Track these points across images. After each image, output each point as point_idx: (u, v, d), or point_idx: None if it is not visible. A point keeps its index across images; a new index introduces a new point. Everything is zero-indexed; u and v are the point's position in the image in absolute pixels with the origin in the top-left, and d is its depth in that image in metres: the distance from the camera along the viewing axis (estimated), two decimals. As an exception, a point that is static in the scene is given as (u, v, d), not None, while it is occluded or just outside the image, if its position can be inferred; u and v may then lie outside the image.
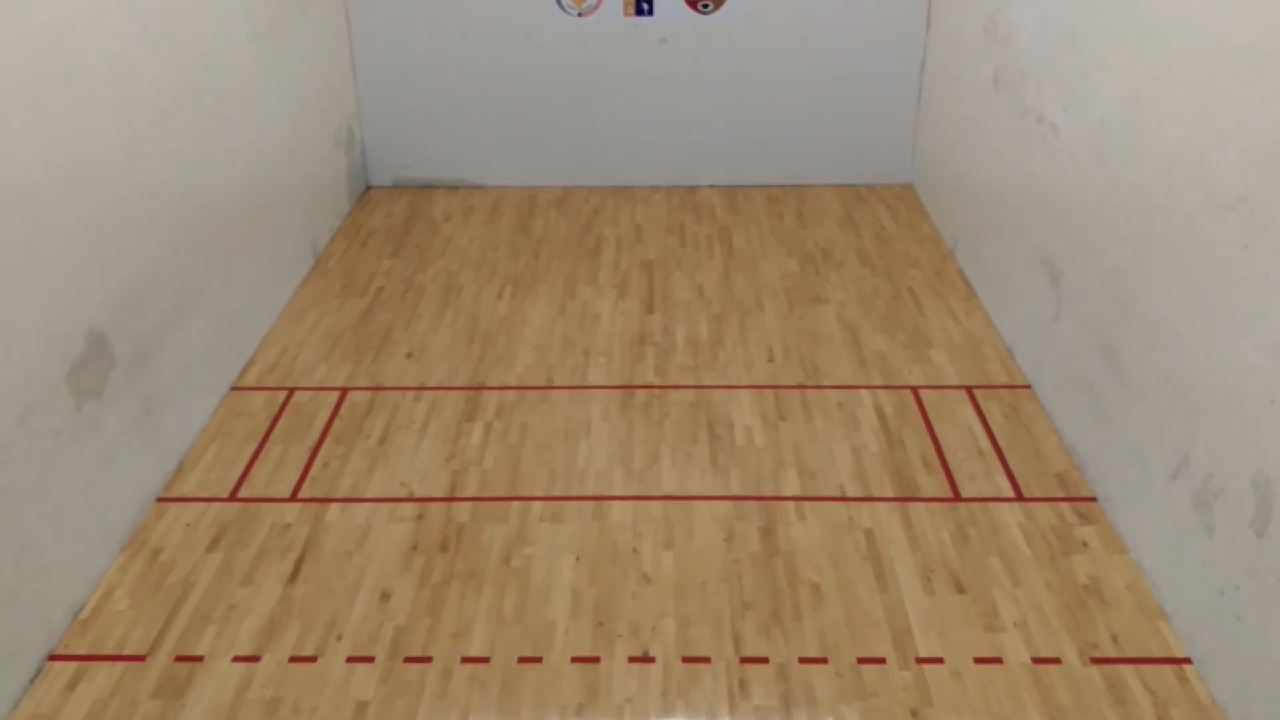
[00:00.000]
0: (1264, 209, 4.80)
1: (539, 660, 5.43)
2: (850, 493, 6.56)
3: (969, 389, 7.56)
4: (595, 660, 5.41)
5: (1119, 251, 6.20)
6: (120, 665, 5.40)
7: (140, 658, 5.44)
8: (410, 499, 6.55)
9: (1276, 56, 4.73)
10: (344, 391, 7.63)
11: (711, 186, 11.08)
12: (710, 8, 10.39)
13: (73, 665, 5.40)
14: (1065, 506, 6.40)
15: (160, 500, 6.53)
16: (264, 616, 5.69)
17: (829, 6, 10.29)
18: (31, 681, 5.29)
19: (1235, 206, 5.02)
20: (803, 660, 5.40)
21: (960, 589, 5.81)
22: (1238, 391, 4.98)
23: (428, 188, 11.11)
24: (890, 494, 6.54)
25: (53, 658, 5.44)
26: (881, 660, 5.39)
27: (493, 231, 10.14)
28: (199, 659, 5.43)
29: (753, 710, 5.14)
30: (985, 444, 6.98)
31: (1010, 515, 6.34)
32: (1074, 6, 6.90)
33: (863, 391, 7.55)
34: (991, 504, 6.44)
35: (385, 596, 5.82)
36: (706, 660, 5.41)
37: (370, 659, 5.43)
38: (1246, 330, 4.92)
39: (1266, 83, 4.79)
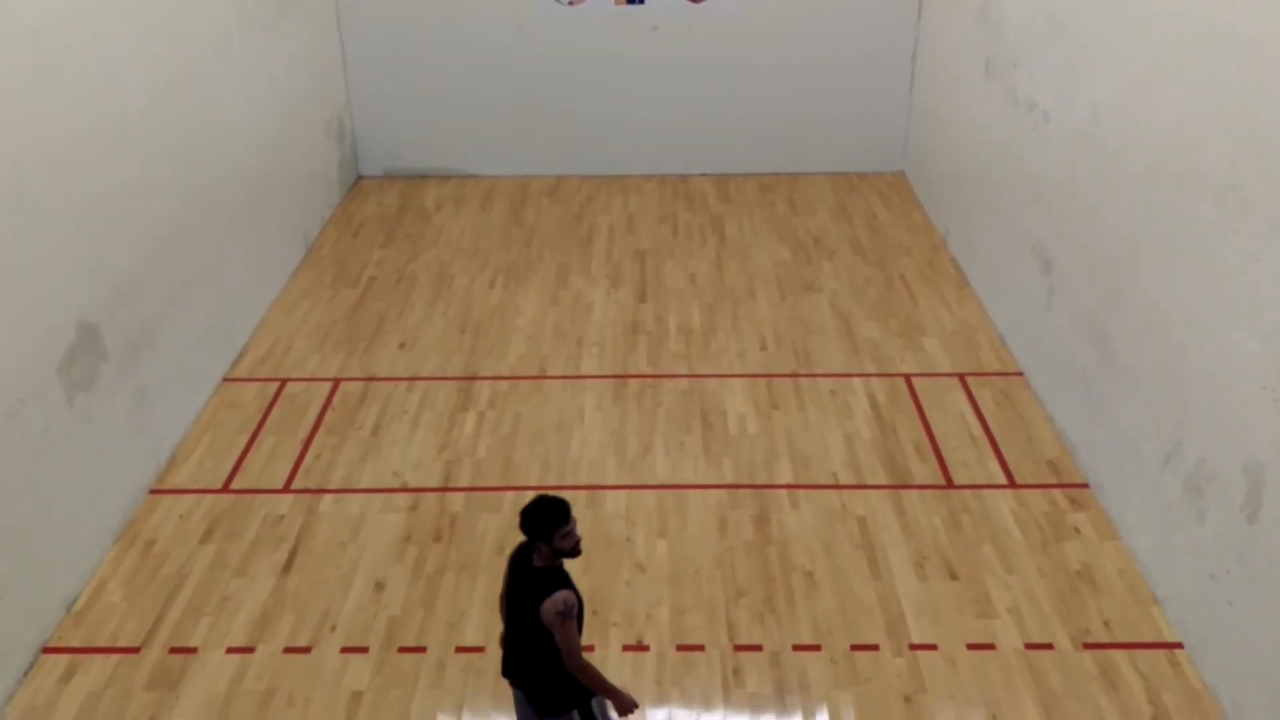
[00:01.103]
0: (1254, 196, 4.81)
1: (533, 649, 5.43)
2: (843, 480, 6.57)
3: (961, 376, 7.57)
4: (589, 649, 5.41)
5: (1110, 239, 6.20)
6: (114, 657, 5.40)
7: (134, 650, 5.44)
8: (404, 489, 6.54)
9: (1266, 46, 4.74)
10: (336, 382, 7.62)
11: (703, 175, 11.07)
12: (701, -4, 10.36)
13: (67, 657, 5.39)
14: (1058, 493, 6.42)
15: (153, 492, 6.52)
16: (258, 608, 5.69)
17: (820, -6, 10.30)
18: (25, 674, 5.29)
19: (1226, 194, 5.02)
20: (796, 647, 5.42)
21: (953, 576, 5.83)
22: (1229, 377, 5.00)
23: (419, 177, 11.08)
24: (883, 481, 6.55)
25: (47, 650, 5.44)
26: (875, 647, 5.41)
27: (484, 221, 10.12)
28: (193, 650, 5.43)
29: (747, 698, 5.15)
30: (978, 431, 6.99)
31: (1003, 502, 6.36)
32: (1065, -7, 6.90)
33: (855, 379, 7.56)
34: (984, 491, 6.46)
35: (379, 587, 5.82)
36: (700, 648, 5.42)
37: (364, 649, 5.44)
38: (1238, 316, 4.94)
39: (1257, 71, 4.80)
